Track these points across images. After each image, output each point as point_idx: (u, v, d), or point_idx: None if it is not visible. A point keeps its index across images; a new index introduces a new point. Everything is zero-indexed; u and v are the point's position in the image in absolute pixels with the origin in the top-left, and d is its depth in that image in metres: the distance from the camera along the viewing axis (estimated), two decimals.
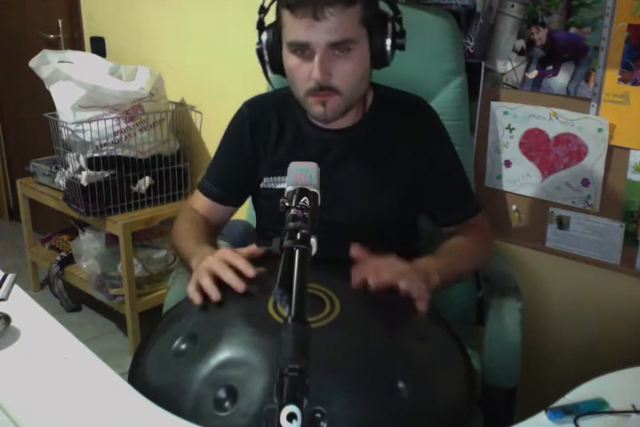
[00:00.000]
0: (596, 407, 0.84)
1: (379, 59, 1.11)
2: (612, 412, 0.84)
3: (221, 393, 0.82)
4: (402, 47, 1.11)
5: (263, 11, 1.13)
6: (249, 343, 0.87)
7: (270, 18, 1.13)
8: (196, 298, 0.97)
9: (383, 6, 1.13)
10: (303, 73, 1.07)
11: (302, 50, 1.06)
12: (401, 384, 0.83)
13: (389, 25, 1.09)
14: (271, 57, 1.13)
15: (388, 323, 0.86)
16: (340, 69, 1.06)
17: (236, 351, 0.86)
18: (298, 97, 1.14)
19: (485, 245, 1.25)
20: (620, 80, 1.36)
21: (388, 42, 1.09)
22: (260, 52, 1.14)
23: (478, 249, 1.21)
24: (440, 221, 1.28)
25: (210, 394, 0.82)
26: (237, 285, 0.95)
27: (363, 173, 1.20)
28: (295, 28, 1.04)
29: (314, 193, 0.77)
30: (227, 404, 0.81)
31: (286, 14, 1.05)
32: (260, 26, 1.13)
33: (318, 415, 0.78)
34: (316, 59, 1.04)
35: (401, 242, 1.22)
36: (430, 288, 0.98)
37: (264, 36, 1.12)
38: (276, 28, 1.10)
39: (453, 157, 1.27)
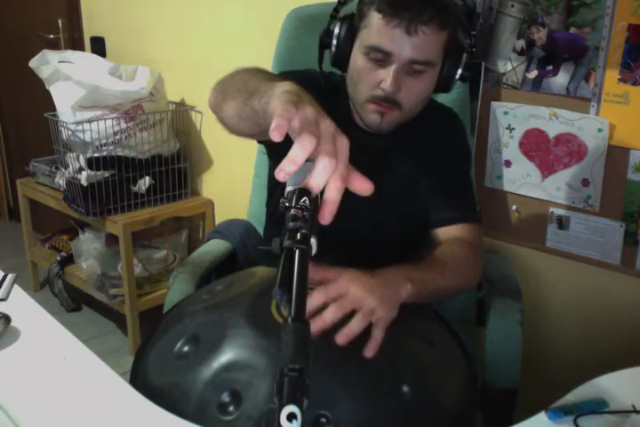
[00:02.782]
0: (596, 407, 0.84)
1: (443, 86, 1.10)
2: (612, 412, 0.84)
3: (225, 397, 0.81)
4: (466, 80, 1.11)
5: (344, 1, 1.11)
6: (252, 346, 0.86)
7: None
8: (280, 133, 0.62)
9: None
10: (372, 78, 1.05)
11: (378, 56, 1.04)
12: (405, 388, 0.83)
13: (464, 56, 1.08)
14: (338, 51, 1.09)
15: (392, 326, 0.85)
16: (410, 87, 1.05)
17: (239, 354, 0.85)
18: (355, 99, 1.11)
19: (472, 265, 1.11)
20: (619, 80, 1.36)
21: (459, 72, 1.08)
22: (327, 43, 1.10)
23: (462, 267, 1.08)
24: (430, 221, 1.20)
25: (214, 398, 0.81)
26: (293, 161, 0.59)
27: (394, 182, 1.17)
28: (382, 35, 1.02)
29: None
30: (231, 408, 0.80)
31: (376, 17, 1.02)
32: (335, 15, 1.11)
33: (323, 420, 0.77)
34: (393, 71, 1.02)
35: (416, 254, 1.18)
36: (400, 300, 0.89)
37: (336, 28, 1.08)
38: (352, 22, 1.08)
39: (460, 167, 1.24)
